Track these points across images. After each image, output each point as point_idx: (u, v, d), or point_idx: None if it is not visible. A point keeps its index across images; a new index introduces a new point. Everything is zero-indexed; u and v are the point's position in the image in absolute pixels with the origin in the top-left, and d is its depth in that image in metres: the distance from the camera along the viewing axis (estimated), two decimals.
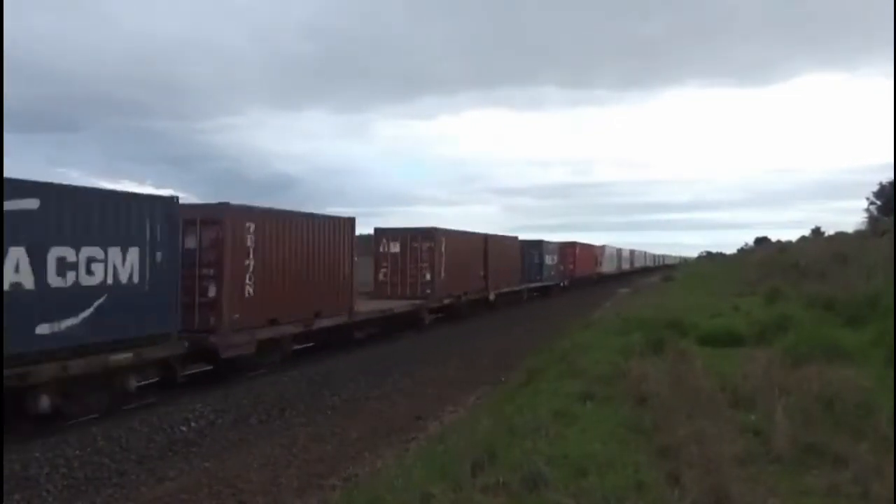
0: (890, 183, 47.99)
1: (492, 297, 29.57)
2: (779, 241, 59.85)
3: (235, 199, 13.46)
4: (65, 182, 9.36)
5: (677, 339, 11.89)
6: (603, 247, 59.23)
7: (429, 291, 23.27)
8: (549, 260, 40.28)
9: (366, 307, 18.88)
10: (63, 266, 9.27)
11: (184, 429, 9.70)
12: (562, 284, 43.03)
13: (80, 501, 7.18)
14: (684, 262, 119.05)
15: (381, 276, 23.62)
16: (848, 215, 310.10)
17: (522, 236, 36.76)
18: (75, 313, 9.44)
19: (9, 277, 8.52)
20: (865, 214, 51.76)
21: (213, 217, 13.02)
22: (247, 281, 13.62)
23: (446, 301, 24.73)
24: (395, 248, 23.63)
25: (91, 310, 9.64)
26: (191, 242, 12.83)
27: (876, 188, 51.99)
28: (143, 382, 11.19)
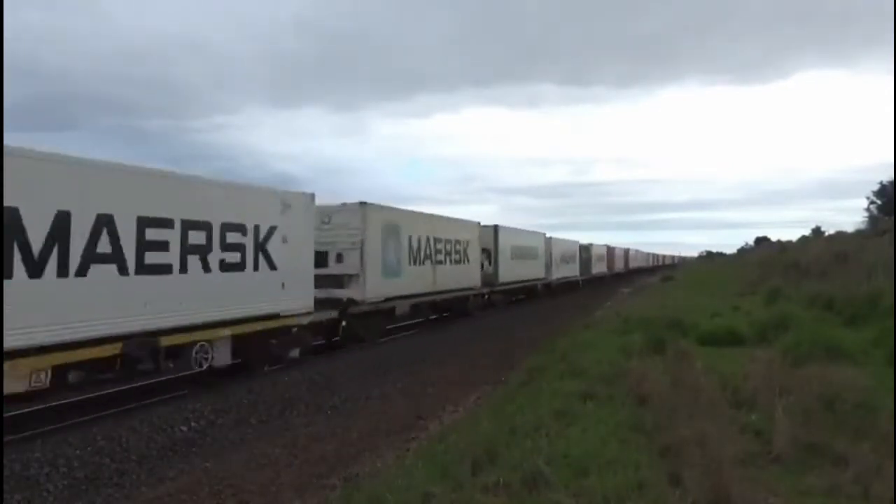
0: (890, 182, 48.03)
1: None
2: (779, 241, 59.92)
3: None
4: None
5: (678, 339, 11.90)
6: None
7: None
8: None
9: None
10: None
11: (184, 429, 9.69)
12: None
13: (80, 501, 7.18)
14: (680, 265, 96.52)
15: None
16: (848, 214, 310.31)
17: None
18: None
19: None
20: (866, 214, 51.81)
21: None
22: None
23: None
24: None
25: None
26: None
27: (876, 187, 52.03)
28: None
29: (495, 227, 29.01)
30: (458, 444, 6.52)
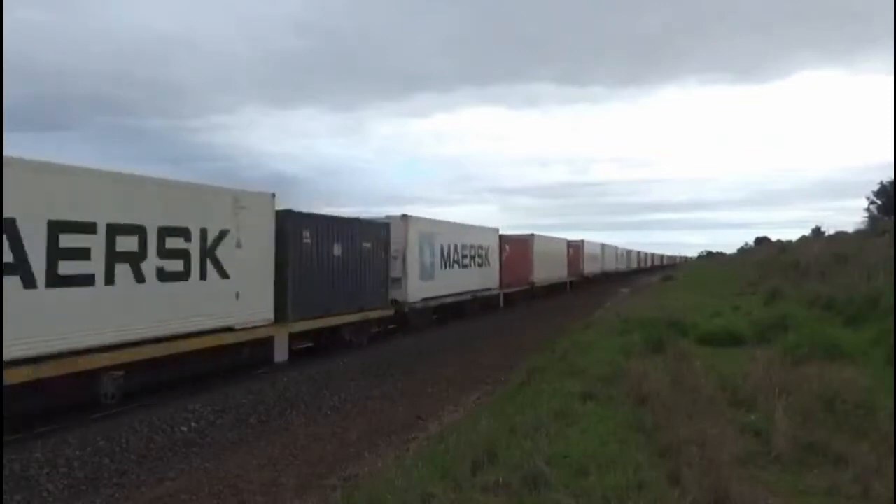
0: (890, 182, 48.04)
1: None
2: (779, 241, 59.83)
3: None
4: None
5: (677, 339, 11.89)
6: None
7: None
8: None
9: None
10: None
11: (184, 429, 9.69)
12: None
13: (80, 501, 7.18)
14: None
15: None
16: (848, 215, 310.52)
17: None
18: None
19: None
20: (866, 214, 51.83)
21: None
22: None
23: None
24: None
25: None
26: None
27: (876, 187, 52.05)
28: None
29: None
30: (458, 444, 6.51)
